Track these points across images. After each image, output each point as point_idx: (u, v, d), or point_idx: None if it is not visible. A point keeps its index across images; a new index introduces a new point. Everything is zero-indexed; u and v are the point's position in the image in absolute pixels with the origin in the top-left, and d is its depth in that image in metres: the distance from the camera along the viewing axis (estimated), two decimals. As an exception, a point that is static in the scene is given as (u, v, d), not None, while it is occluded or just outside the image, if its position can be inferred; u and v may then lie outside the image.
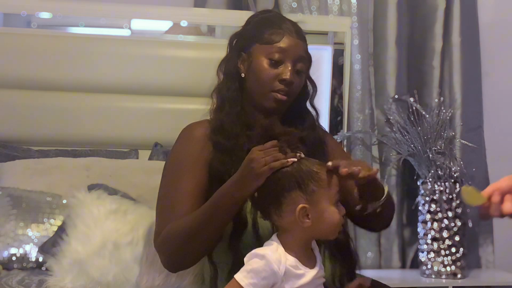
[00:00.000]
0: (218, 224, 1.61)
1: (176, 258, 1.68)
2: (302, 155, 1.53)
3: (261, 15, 1.87)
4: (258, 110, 1.81)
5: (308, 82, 1.89)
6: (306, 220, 1.49)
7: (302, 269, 1.49)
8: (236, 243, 1.67)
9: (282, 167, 1.50)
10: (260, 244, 1.60)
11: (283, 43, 1.76)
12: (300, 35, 1.80)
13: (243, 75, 1.81)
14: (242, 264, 1.59)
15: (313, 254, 1.55)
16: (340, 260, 1.73)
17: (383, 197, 1.66)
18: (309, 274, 1.50)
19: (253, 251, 1.49)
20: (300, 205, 1.48)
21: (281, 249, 1.49)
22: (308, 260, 1.52)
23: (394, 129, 3.07)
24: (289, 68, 1.76)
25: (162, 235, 1.68)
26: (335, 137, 2.77)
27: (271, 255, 1.47)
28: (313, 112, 1.91)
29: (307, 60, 1.83)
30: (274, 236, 1.53)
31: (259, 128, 1.63)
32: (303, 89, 1.87)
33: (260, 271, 1.45)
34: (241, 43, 1.83)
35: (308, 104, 1.91)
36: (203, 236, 1.62)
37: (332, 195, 1.50)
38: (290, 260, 1.48)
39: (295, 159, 1.51)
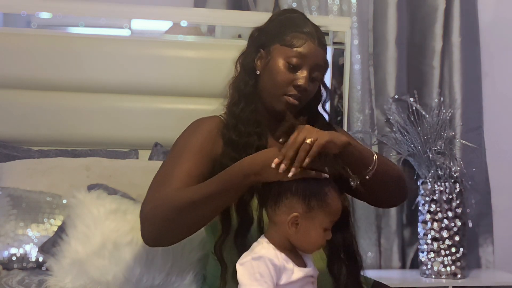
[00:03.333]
0: (222, 201, 1.60)
1: (164, 228, 1.64)
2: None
3: (286, 14, 1.85)
4: (267, 110, 1.81)
5: (322, 86, 1.88)
6: (293, 228, 1.53)
7: (292, 265, 1.52)
8: (242, 240, 1.67)
9: (313, 177, 1.52)
10: None
11: (304, 48, 1.75)
12: (321, 42, 1.79)
13: (258, 72, 1.80)
14: None
15: (299, 255, 1.57)
16: (345, 263, 1.73)
17: (370, 168, 1.68)
18: (299, 271, 1.53)
19: (245, 258, 1.52)
20: (295, 213, 1.52)
21: (271, 245, 1.53)
22: (295, 259, 1.55)
23: (394, 129, 3.08)
24: (305, 74, 1.75)
25: (155, 202, 1.65)
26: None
27: (266, 252, 1.50)
28: (326, 116, 1.92)
29: (324, 68, 1.82)
30: (262, 236, 1.57)
31: (286, 127, 1.62)
32: (317, 93, 1.86)
33: (267, 272, 1.48)
34: (262, 40, 1.82)
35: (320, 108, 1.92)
36: (204, 209, 1.60)
37: (327, 220, 1.54)
38: (282, 255, 1.52)
39: (326, 176, 1.54)
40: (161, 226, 1.64)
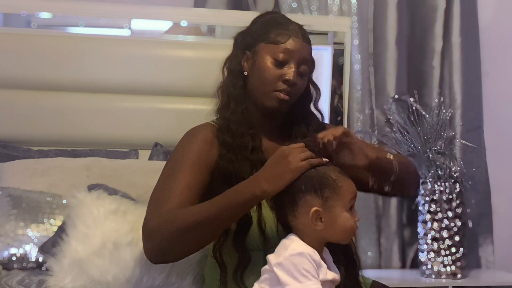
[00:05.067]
0: (230, 218, 1.61)
1: (170, 246, 1.64)
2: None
3: (268, 15, 1.89)
4: (259, 109, 1.81)
5: (311, 85, 1.90)
6: (319, 223, 1.53)
7: (324, 264, 1.52)
8: (241, 242, 1.68)
9: (318, 165, 1.54)
10: (266, 242, 1.64)
11: (289, 44, 1.78)
12: (305, 38, 1.82)
13: (246, 73, 1.82)
14: (248, 262, 1.63)
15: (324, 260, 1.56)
16: (344, 264, 1.73)
17: (393, 175, 1.71)
18: (330, 272, 1.53)
19: (280, 257, 1.50)
20: (314, 208, 1.52)
21: (302, 242, 1.52)
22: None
23: (394, 129, 3.08)
24: (293, 69, 1.77)
25: (158, 219, 1.65)
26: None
27: (305, 247, 1.50)
28: (318, 115, 1.93)
29: (311, 63, 1.85)
30: (291, 234, 1.56)
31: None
32: (306, 92, 1.88)
33: (311, 267, 1.48)
34: (247, 42, 1.84)
35: (312, 108, 1.93)
36: (210, 228, 1.60)
37: (346, 201, 1.54)
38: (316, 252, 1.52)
39: (327, 160, 1.56)
40: (166, 244, 1.64)
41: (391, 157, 1.74)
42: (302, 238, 1.54)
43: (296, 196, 1.54)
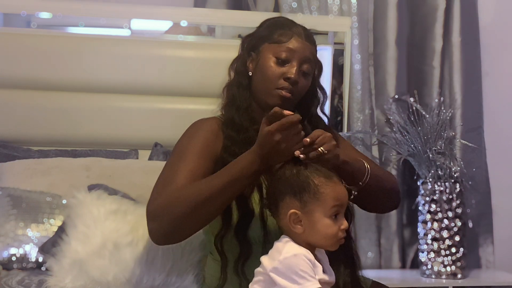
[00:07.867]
0: (231, 195, 1.63)
1: (178, 225, 1.65)
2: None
3: (274, 19, 1.92)
4: (263, 108, 1.83)
5: (318, 89, 1.92)
6: (297, 226, 1.52)
7: (318, 264, 1.51)
8: (243, 233, 1.69)
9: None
10: (267, 236, 1.66)
11: (291, 43, 1.81)
12: (309, 38, 1.85)
13: (250, 73, 1.85)
14: (249, 254, 1.64)
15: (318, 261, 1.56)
16: (343, 263, 1.73)
17: (362, 181, 1.72)
18: (324, 274, 1.52)
19: (274, 261, 1.49)
20: (292, 210, 1.52)
21: (294, 244, 1.52)
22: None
23: (394, 129, 3.07)
24: (295, 67, 1.80)
25: (164, 199, 1.66)
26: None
27: (298, 249, 1.50)
28: (324, 118, 1.95)
29: (315, 63, 1.87)
30: (284, 236, 1.55)
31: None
32: (314, 95, 1.90)
33: (308, 268, 1.47)
34: (252, 43, 1.88)
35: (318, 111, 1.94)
36: (213, 205, 1.62)
37: (327, 208, 1.52)
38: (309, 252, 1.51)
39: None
40: (175, 223, 1.65)
41: (367, 165, 1.75)
42: (292, 239, 1.53)
43: (278, 197, 1.54)
